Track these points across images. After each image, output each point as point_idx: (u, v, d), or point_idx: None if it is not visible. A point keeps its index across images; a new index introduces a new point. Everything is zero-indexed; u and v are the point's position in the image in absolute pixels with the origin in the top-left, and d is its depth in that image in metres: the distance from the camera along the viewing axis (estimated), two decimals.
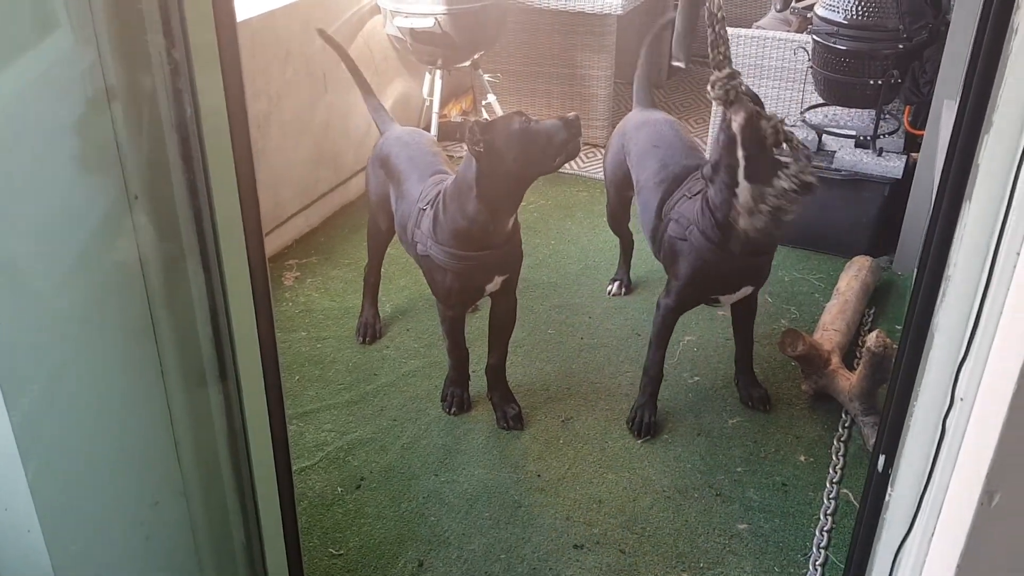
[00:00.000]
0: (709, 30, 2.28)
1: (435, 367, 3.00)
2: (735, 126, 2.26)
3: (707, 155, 3.01)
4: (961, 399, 1.02)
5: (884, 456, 1.32)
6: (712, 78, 2.29)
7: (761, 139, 2.23)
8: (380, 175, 2.87)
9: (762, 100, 2.37)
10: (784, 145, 2.26)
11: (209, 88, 1.29)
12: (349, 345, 3.11)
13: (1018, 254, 0.90)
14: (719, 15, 2.26)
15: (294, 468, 2.57)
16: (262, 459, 1.80)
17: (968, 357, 1.02)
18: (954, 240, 1.13)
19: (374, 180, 2.91)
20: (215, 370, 1.53)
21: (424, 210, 2.57)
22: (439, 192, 2.55)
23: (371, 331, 3.15)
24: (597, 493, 2.50)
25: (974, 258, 1.06)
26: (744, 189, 2.28)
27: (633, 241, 3.37)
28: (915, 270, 1.34)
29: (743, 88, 2.28)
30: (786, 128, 2.27)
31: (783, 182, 2.22)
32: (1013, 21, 1.03)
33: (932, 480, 1.12)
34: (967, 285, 1.09)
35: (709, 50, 2.29)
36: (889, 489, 1.32)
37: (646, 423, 2.71)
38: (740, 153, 2.25)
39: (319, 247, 3.73)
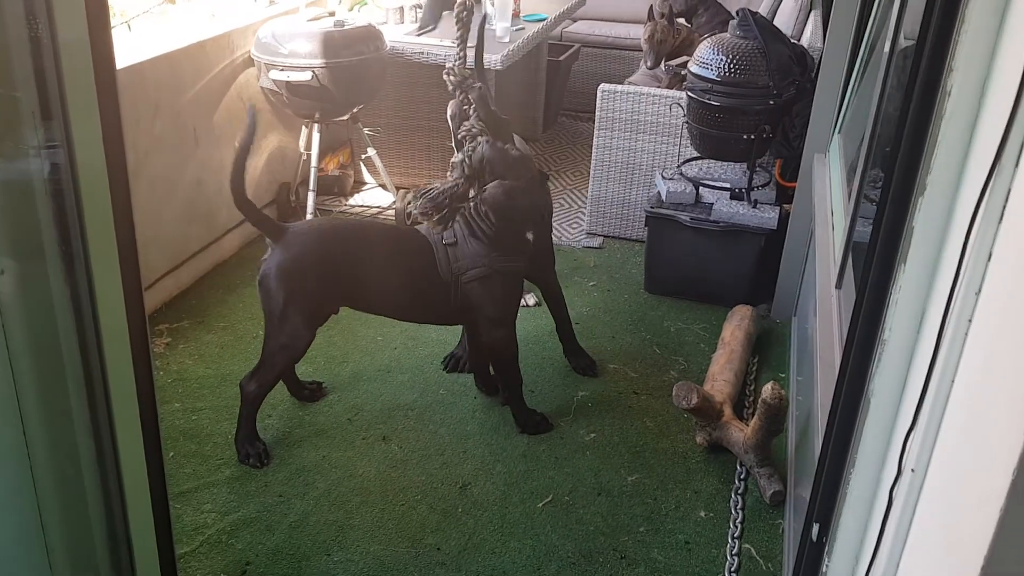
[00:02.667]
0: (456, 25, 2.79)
1: (322, 436, 2.84)
2: (448, 115, 2.82)
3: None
4: (912, 470, 1.00)
5: (818, 525, 1.29)
6: (445, 67, 2.80)
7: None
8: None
9: (479, 99, 2.81)
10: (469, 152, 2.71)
11: (87, 142, 1.16)
12: (228, 416, 2.91)
13: (970, 321, 0.89)
14: (461, 15, 2.79)
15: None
16: (144, 547, 1.61)
17: (916, 426, 1.01)
18: (888, 303, 1.12)
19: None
20: (91, 455, 1.36)
21: (453, 243, 2.67)
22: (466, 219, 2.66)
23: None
24: (500, 564, 2.41)
25: (910, 322, 1.06)
26: (456, 157, 2.70)
27: None
28: (845, 332, 1.33)
29: (468, 83, 2.76)
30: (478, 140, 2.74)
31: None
32: (946, 83, 1.03)
33: (879, 552, 1.10)
34: (903, 350, 1.08)
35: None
36: (825, 559, 1.29)
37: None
38: (454, 140, 2.79)
39: (191, 310, 3.51)
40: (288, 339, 2.63)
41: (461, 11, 2.78)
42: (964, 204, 1.00)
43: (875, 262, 1.12)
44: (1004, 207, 0.87)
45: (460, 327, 3.20)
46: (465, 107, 2.79)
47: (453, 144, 2.86)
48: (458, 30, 2.80)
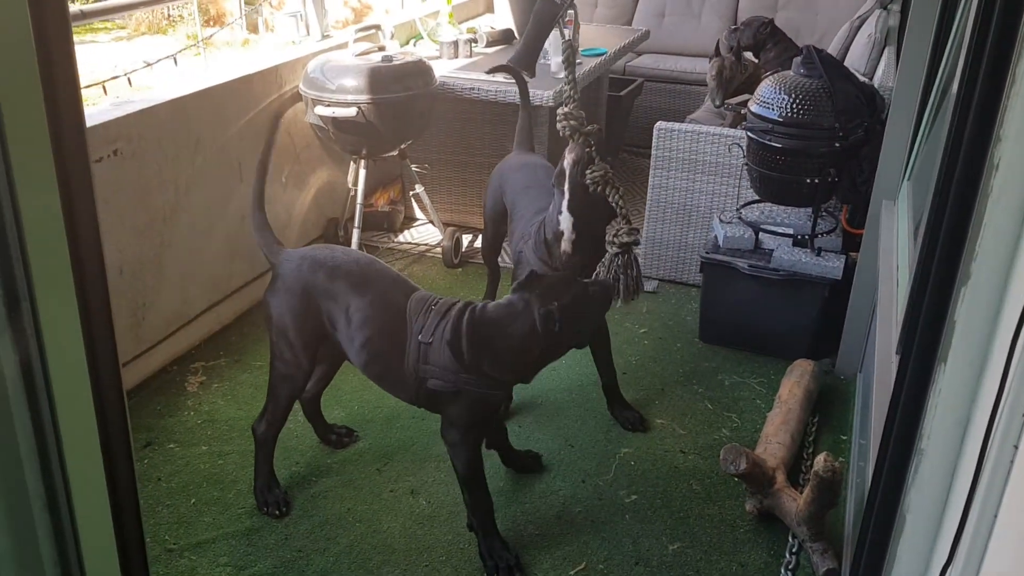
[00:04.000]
0: (563, 69, 2.70)
1: (349, 487, 2.73)
2: (566, 162, 2.60)
3: None
4: None
5: None
6: (558, 112, 2.65)
7: (583, 181, 2.60)
8: None
9: (599, 141, 2.70)
10: (610, 197, 2.60)
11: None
12: (254, 461, 2.82)
13: (1015, 447, 0.72)
14: (565, 59, 2.68)
15: None
16: None
17: (953, 563, 0.83)
18: (927, 407, 0.95)
19: None
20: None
21: (428, 343, 2.33)
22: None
23: None
24: None
25: (952, 431, 0.88)
26: (566, 218, 2.63)
27: (500, 275, 3.57)
28: (880, 439, 1.14)
29: (587, 128, 2.62)
30: (614, 182, 2.61)
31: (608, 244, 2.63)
32: (993, 155, 0.86)
33: None
34: (942, 464, 0.90)
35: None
36: None
37: None
38: (566, 186, 2.60)
39: (229, 347, 3.46)
40: (285, 368, 2.51)
41: (568, 52, 2.66)
42: (1014, 297, 0.82)
43: (913, 358, 0.95)
44: None
45: None
46: (588, 149, 2.61)
47: (566, 189, 2.60)
48: (566, 70, 2.67)
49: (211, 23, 9.72)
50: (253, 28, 8.56)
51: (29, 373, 1.18)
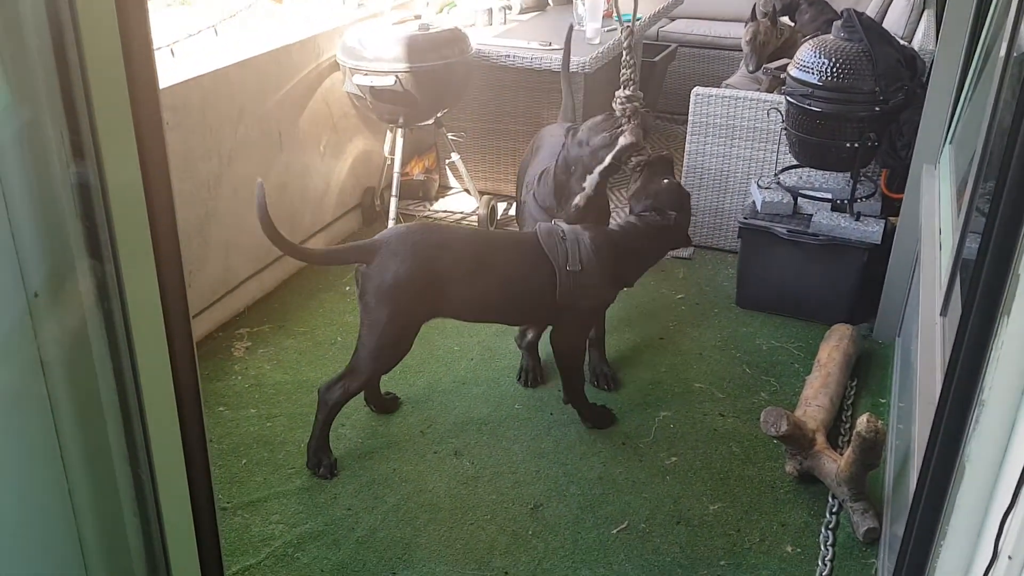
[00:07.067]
0: (624, 53, 2.79)
1: (394, 448, 2.79)
2: (621, 140, 2.73)
3: None
4: (1009, 557, 0.85)
5: None
6: (616, 93, 2.74)
7: (626, 160, 2.80)
8: None
9: (651, 128, 3.03)
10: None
11: (120, 162, 1.11)
12: (302, 424, 2.88)
13: None
14: (627, 43, 2.77)
15: (236, 567, 2.35)
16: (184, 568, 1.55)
17: (1015, 507, 0.86)
18: (988, 359, 0.97)
19: None
20: (132, 502, 1.32)
21: (579, 271, 2.69)
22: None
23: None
24: None
25: (1014, 383, 0.90)
26: (594, 179, 2.80)
27: None
28: (939, 391, 1.16)
29: (643, 110, 2.75)
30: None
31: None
32: None
33: None
34: (1004, 415, 0.92)
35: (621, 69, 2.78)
36: None
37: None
38: (610, 157, 2.76)
39: (273, 314, 3.52)
40: (384, 352, 2.61)
41: (629, 38, 2.78)
42: None
43: (975, 311, 0.97)
44: None
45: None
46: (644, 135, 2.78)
47: (609, 158, 2.78)
48: (627, 54, 2.76)
49: None
50: None
51: (112, 328, 1.24)
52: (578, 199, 2.83)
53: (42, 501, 1.31)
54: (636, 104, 2.72)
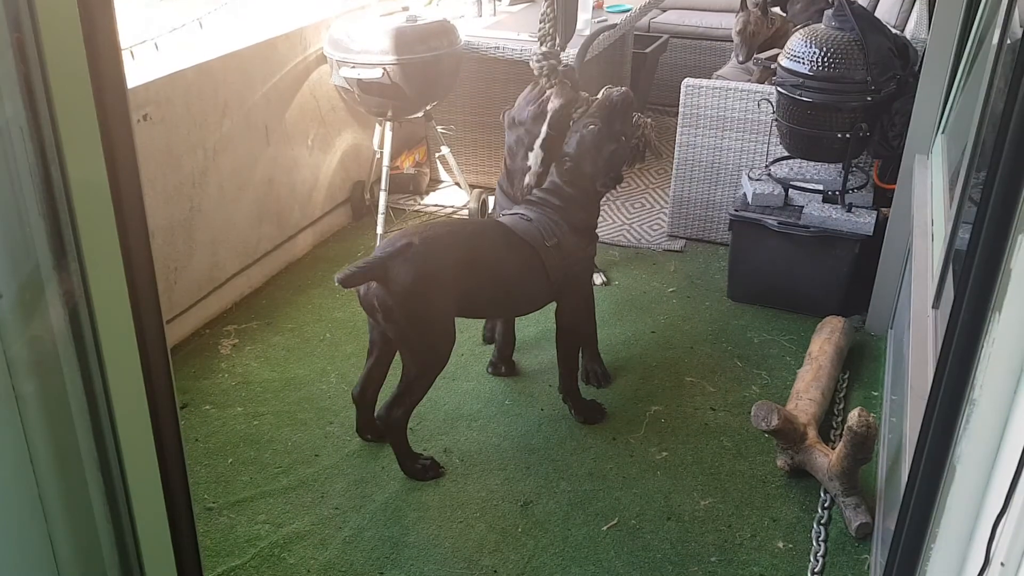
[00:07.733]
0: (543, 3, 2.73)
1: (383, 445, 2.76)
2: (550, 106, 2.69)
3: None
4: (1002, 564, 0.83)
5: None
6: (532, 50, 2.75)
7: (565, 125, 2.71)
8: None
9: (577, 83, 2.82)
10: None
11: (84, 160, 1.07)
12: (289, 422, 2.86)
13: None
14: None
15: (221, 568, 2.32)
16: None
17: (1008, 512, 0.83)
18: (979, 357, 0.94)
19: None
20: (103, 506, 1.28)
21: (556, 244, 2.69)
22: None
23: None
24: None
25: (1005, 382, 0.88)
26: (536, 154, 2.76)
27: None
28: (929, 389, 1.14)
29: (561, 67, 2.70)
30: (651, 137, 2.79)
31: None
32: None
33: None
34: (995, 415, 0.90)
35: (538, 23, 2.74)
36: None
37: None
38: (544, 127, 2.72)
39: (260, 311, 3.48)
40: (436, 353, 2.59)
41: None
42: None
43: (964, 306, 0.94)
44: None
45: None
46: (576, 92, 2.76)
47: (544, 129, 2.78)
48: (547, 4, 2.74)
49: None
50: None
51: (79, 332, 1.20)
52: (528, 178, 2.82)
53: (11, 504, 1.28)
54: (553, 61, 2.64)
